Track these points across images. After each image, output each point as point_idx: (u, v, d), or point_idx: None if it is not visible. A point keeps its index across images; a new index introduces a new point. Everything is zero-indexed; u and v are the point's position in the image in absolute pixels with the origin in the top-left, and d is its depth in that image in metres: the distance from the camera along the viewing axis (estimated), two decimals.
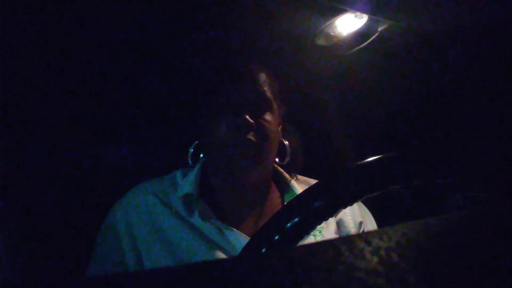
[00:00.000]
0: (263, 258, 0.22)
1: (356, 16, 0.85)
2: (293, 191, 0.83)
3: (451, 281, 0.18)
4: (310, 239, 0.76)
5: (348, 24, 0.88)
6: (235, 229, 0.74)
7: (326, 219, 0.44)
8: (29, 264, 0.89)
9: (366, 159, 0.46)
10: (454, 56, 0.95)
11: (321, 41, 0.94)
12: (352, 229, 0.81)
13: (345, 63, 1.05)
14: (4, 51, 0.78)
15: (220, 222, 0.75)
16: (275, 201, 0.84)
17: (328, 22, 0.86)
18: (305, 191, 0.46)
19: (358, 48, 0.96)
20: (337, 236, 0.79)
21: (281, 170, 0.88)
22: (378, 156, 0.45)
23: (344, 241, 0.21)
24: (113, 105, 1.12)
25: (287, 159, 0.84)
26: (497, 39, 0.87)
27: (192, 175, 0.79)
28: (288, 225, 0.42)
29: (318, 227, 0.51)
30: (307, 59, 1.05)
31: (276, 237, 0.42)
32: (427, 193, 1.07)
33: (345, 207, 0.45)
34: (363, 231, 0.84)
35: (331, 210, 0.44)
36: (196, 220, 0.75)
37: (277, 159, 0.85)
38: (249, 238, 0.49)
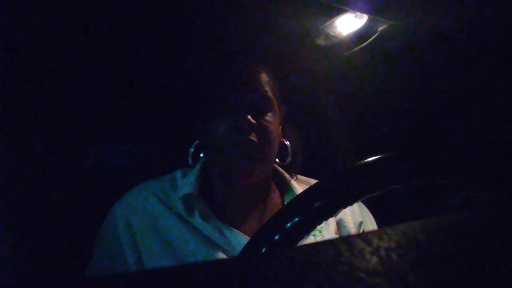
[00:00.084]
0: (263, 258, 0.22)
1: (356, 16, 0.85)
2: (293, 191, 0.83)
3: (451, 281, 0.18)
4: (310, 239, 0.76)
5: (348, 24, 0.87)
6: (235, 229, 0.74)
7: (326, 219, 0.44)
8: (29, 264, 0.89)
9: (366, 159, 0.46)
10: (454, 56, 0.95)
11: (321, 41, 0.94)
12: (352, 229, 0.81)
13: (345, 63, 1.04)
14: (4, 51, 0.79)
15: (220, 222, 0.74)
16: (275, 201, 0.84)
17: (328, 22, 0.86)
18: (305, 191, 0.46)
19: (358, 48, 0.96)
20: (337, 236, 0.79)
21: (281, 170, 0.88)
22: (378, 156, 0.45)
23: (344, 241, 0.21)
24: (113, 105, 1.12)
25: (288, 160, 0.84)
26: (497, 39, 0.87)
27: (192, 175, 0.79)
28: (288, 225, 0.42)
29: (318, 227, 0.51)
30: (307, 59, 1.05)
31: (276, 237, 0.42)
32: (427, 193, 1.07)
33: (345, 207, 0.45)
34: (363, 231, 0.84)
35: (331, 210, 0.44)
36: (196, 220, 0.75)
37: (277, 159, 0.85)
38: (249, 238, 0.49)
